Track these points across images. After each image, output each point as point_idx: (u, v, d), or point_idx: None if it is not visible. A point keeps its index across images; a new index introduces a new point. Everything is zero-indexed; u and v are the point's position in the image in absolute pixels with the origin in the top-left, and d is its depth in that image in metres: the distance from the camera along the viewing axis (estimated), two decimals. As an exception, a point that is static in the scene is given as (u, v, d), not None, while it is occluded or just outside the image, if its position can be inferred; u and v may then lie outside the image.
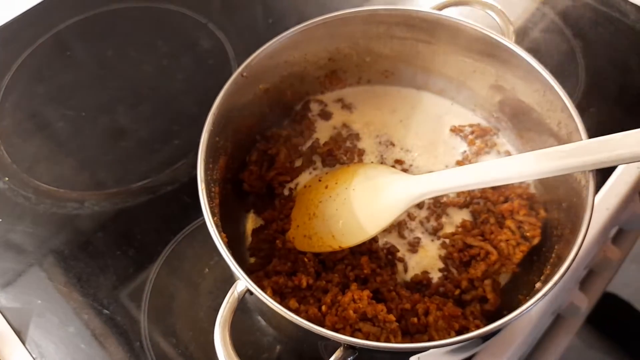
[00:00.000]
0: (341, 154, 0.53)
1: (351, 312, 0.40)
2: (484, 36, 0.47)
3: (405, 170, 0.52)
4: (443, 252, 0.48)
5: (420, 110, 0.56)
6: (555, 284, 0.35)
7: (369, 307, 0.40)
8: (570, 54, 0.65)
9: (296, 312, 0.39)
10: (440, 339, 0.40)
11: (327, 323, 0.40)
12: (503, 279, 0.46)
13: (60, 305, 0.50)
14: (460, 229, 0.48)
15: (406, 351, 0.36)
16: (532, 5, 0.70)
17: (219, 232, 0.38)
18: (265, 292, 0.36)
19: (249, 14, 0.71)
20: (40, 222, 0.55)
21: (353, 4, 0.53)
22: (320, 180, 0.50)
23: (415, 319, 0.41)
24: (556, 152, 0.39)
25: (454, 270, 0.47)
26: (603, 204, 0.53)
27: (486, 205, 0.48)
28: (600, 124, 0.58)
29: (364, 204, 0.46)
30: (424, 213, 0.50)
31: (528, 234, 0.45)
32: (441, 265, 0.47)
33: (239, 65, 0.45)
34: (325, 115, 0.55)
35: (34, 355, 0.47)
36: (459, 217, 0.49)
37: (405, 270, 0.47)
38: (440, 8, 0.49)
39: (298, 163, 0.53)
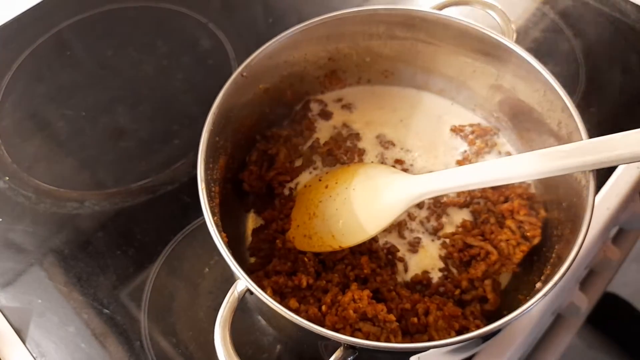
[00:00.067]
0: (341, 153, 0.53)
1: (351, 311, 0.40)
2: (484, 36, 0.47)
3: (405, 170, 0.52)
4: (443, 252, 0.48)
5: (420, 110, 0.56)
6: (556, 284, 0.35)
7: (369, 307, 0.40)
8: (570, 54, 0.65)
9: (296, 312, 0.39)
10: (440, 339, 0.40)
11: (327, 323, 0.40)
12: (503, 279, 0.46)
13: (60, 305, 0.50)
14: (460, 229, 0.48)
15: (406, 351, 0.36)
16: (533, 5, 0.70)
17: (219, 232, 0.38)
18: (265, 292, 0.36)
19: (249, 14, 0.71)
20: (40, 222, 0.55)
21: (353, 3, 0.53)
22: (320, 180, 0.50)
23: (416, 319, 0.41)
24: (556, 152, 0.39)
25: (454, 270, 0.47)
26: (603, 203, 0.53)
27: (486, 205, 0.48)
28: (600, 124, 0.58)
29: (364, 204, 0.46)
30: (424, 213, 0.50)
31: (528, 234, 0.45)
32: (441, 265, 0.47)
33: (239, 65, 0.45)
34: (326, 115, 0.55)
35: (34, 355, 0.47)
36: (459, 217, 0.49)
37: (406, 270, 0.47)
38: (441, 8, 0.49)
39: (298, 163, 0.53)
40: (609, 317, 0.87)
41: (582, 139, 0.40)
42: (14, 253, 0.53)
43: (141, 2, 0.73)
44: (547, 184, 0.46)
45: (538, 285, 0.39)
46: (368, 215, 0.46)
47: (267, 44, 0.46)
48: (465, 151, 0.53)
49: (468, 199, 0.49)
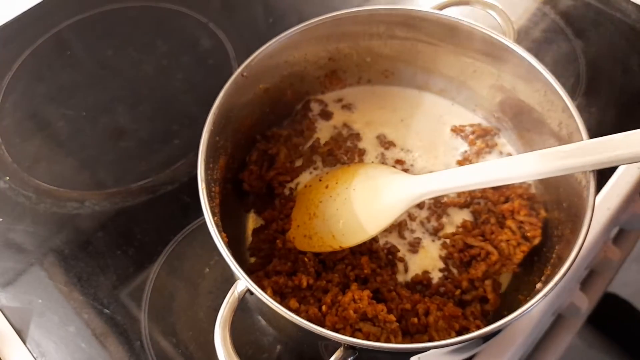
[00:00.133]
0: (342, 153, 0.53)
1: (351, 312, 0.40)
2: (485, 36, 0.47)
3: (405, 170, 0.52)
4: (443, 252, 0.48)
5: (420, 110, 0.56)
6: (556, 284, 0.35)
7: (369, 307, 0.40)
8: (571, 54, 0.65)
9: (296, 312, 0.39)
10: (440, 339, 0.40)
11: (327, 323, 0.40)
12: (504, 280, 0.46)
13: (60, 305, 0.50)
14: (460, 229, 0.48)
15: (406, 351, 0.36)
16: (533, 5, 0.70)
17: (219, 232, 0.37)
18: (266, 292, 0.36)
19: (250, 14, 0.71)
20: (40, 222, 0.55)
21: (353, 3, 0.53)
22: (320, 180, 0.50)
23: (416, 319, 0.41)
24: (557, 153, 0.39)
25: (454, 271, 0.47)
26: (604, 204, 0.53)
27: (487, 205, 0.48)
28: (601, 124, 0.58)
29: (364, 204, 0.46)
30: (424, 213, 0.50)
31: (529, 234, 0.45)
32: (441, 265, 0.47)
33: (239, 65, 0.45)
34: (326, 115, 0.55)
35: (34, 355, 0.47)
36: (459, 217, 0.49)
37: (406, 270, 0.47)
38: (441, 8, 0.49)
39: (298, 163, 0.53)
40: (609, 317, 0.86)
41: (582, 139, 0.40)
42: (15, 253, 0.53)
43: (141, 2, 0.73)
44: (548, 184, 0.46)
45: (538, 285, 0.39)
46: (368, 216, 0.45)
47: (267, 44, 0.46)
48: (466, 151, 0.53)
49: (468, 199, 0.49)
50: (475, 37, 0.47)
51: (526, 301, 0.35)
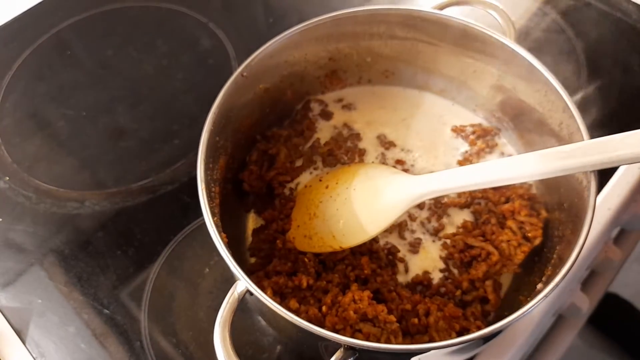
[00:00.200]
0: (342, 153, 0.53)
1: (351, 312, 0.40)
2: (485, 36, 0.46)
3: (406, 171, 0.52)
4: (444, 252, 0.48)
5: (421, 110, 0.55)
6: (557, 285, 0.35)
7: (370, 308, 0.40)
8: (572, 54, 0.65)
9: (296, 312, 0.39)
10: (441, 339, 0.40)
11: (328, 324, 0.39)
12: (504, 280, 0.46)
13: (60, 305, 0.50)
14: (461, 230, 0.48)
15: (407, 352, 0.36)
16: (534, 5, 0.70)
17: (219, 232, 0.37)
18: (266, 293, 0.36)
19: (250, 14, 0.71)
20: (40, 222, 0.55)
21: (353, 3, 0.53)
22: (320, 180, 0.50)
23: (416, 320, 0.41)
24: (557, 153, 0.39)
25: (455, 271, 0.47)
26: (605, 204, 0.53)
27: (487, 205, 0.48)
28: (601, 124, 0.58)
29: (364, 204, 0.46)
30: (424, 214, 0.50)
31: (529, 235, 0.45)
32: (442, 265, 0.47)
33: (239, 65, 0.45)
34: (326, 115, 0.55)
35: (34, 355, 0.47)
36: (460, 217, 0.49)
37: (406, 270, 0.47)
38: (441, 7, 0.49)
39: (298, 163, 0.52)
40: (610, 317, 0.86)
41: (583, 140, 0.40)
42: (14, 253, 0.53)
43: (141, 1, 0.73)
44: (549, 184, 0.46)
45: (539, 286, 0.39)
46: (368, 216, 0.45)
47: (267, 44, 0.46)
48: (466, 151, 0.53)
49: (469, 200, 0.49)
50: (476, 37, 0.47)
51: (527, 302, 0.35)
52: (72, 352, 0.47)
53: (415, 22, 0.49)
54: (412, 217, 0.49)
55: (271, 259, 0.46)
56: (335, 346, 0.35)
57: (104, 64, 0.67)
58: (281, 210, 0.49)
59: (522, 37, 0.66)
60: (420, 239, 0.48)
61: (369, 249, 0.47)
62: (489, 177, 0.42)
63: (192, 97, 0.64)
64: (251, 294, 0.36)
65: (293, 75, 0.52)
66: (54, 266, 0.52)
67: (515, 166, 0.41)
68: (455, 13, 0.47)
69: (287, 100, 0.54)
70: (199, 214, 0.38)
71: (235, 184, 0.50)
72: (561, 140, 0.43)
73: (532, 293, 0.38)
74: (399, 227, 0.49)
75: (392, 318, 0.40)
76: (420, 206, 0.50)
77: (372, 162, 0.53)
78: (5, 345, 0.48)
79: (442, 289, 0.45)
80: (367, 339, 0.38)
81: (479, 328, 0.41)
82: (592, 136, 0.39)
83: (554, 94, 0.43)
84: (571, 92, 0.43)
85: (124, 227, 0.54)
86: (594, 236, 0.51)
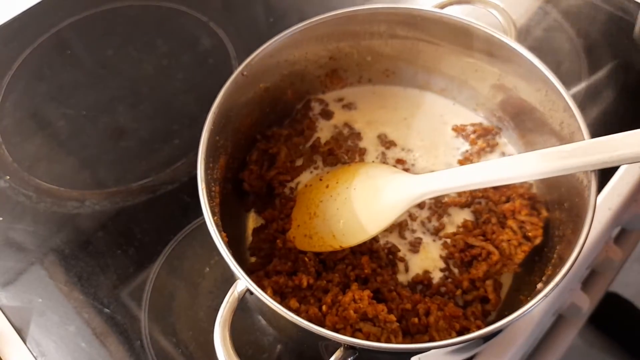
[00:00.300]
0: (342, 153, 0.53)
1: (352, 312, 0.40)
2: (486, 35, 0.46)
3: (406, 170, 0.51)
4: (444, 252, 0.47)
5: (421, 109, 0.55)
6: (557, 284, 0.35)
7: (370, 307, 0.40)
8: (572, 53, 0.65)
9: (296, 312, 0.39)
10: (441, 339, 0.40)
11: (328, 323, 0.39)
12: (504, 280, 0.46)
13: (60, 304, 0.50)
14: (461, 229, 0.48)
15: (407, 352, 0.36)
16: (535, 4, 0.70)
17: (219, 232, 0.37)
18: (266, 292, 0.36)
19: (250, 13, 0.71)
20: (40, 221, 0.55)
21: (354, 2, 0.53)
22: (321, 180, 0.50)
23: (416, 319, 0.41)
24: (558, 152, 0.39)
25: (455, 271, 0.47)
26: (605, 204, 0.53)
27: (488, 205, 0.48)
28: (602, 124, 0.58)
29: (365, 204, 0.46)
30: (425, 213, 0.50)
31: (530, 234, 0.45)
32: (442, 265, 0.47)
33: (239, 64, 0.45)
34: (327, 115, 0.55)
35: (34, 354, 0.47)
36: (460, 217, 0.49)
37: (406, 270, 0.47)
38: (442, 7, 0.49)
39: (299, 162, 0.52)
40: (610, 317, 0.86)
41: (584, 139, 0.40)
42: (15, 252, 0.53)
43: (141, 1, 0.72)
44: (549, 184, 0.46)
45: (539, 285, 0.39)
46: (369, 215, 0.45)
47: (267, 43, 0.46)
48: (467, 151, 0.53)
49: (469, 199, 0.49)
50: (477, 36, 0.47)
51: (527, 301, 0.35)
52: (73, 351, 0.47)
53: (416, 21, 0.49)
54: (412, 217, 0.49)
55: (271, 258, 0.46)
56: (335, 345, 0.35)
57: (104, 64, 0.67)
58: (281, 210, 0.49)
59: (523, 36, 0.66)
60: (420, 239, 0.48)
61: (369, 248, 0.47)
62: (490, 176, 0.42)
63: (192, 97, 0.64)
64: (251, 293, 0.36)
65: (293, 75, 0.52)
66: (55, 265, 0.52)
67: (516, 166, 0.41)
68: (456, 12, 0.47)
69: (287, 100, 0.54)
70: (199, 213, 0.38)
71: (236, 184, 0.49)
72: (562, 140, 0.43)
73: (533, 292, 0.38)
74: (399, 227, 0.49)
75: (392, 317, 0.40)
76: (421, 205, 0.50)
77: (373, 161, 0.53)
78: (6, 344, 0.48)
79: (443, 289, 0.45)
80: (367, 339, 0.38)
81: (479, 327, 0.41)
82: (592, 135, 0.39)
83: (554, 93, 0.43)
84: (572, 91, 0.43)
85: (124, 226, 0.54)
86: (594, 236, 0.51)
